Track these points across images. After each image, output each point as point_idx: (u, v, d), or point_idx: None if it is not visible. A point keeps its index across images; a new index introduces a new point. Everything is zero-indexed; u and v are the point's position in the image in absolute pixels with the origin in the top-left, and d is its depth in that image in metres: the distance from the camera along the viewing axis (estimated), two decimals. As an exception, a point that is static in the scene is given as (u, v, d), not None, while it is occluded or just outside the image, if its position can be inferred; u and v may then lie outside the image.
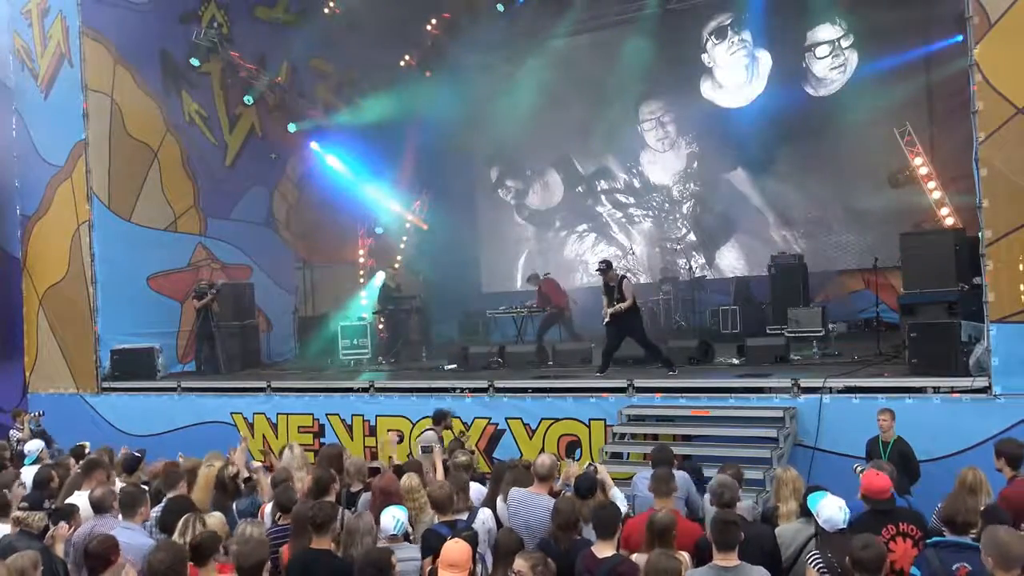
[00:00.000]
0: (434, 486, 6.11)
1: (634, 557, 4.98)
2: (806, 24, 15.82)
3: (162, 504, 6.37)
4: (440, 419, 9.08)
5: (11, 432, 11.27)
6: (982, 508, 5.19)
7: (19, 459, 8.95)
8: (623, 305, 10.60)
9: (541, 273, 15.66)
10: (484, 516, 5.93)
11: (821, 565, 4.71)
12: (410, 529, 5.58)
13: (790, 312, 12.59)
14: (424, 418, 10.97)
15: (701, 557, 4.95)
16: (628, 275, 11.35)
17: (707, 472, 7.31)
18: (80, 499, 6.36)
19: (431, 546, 5.31)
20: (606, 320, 10.82)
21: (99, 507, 5.89)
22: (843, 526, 4.87)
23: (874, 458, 6.89)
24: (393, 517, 5.27)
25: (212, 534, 5.06)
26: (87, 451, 8.79)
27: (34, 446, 9.08)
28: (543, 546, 5.34)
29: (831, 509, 4.90)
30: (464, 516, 5.82)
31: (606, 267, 10.96)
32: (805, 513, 5.44)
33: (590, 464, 6.70)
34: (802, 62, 16.02)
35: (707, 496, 6.41)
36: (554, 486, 6.29)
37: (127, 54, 14.64)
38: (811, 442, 8.73)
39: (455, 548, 4.73)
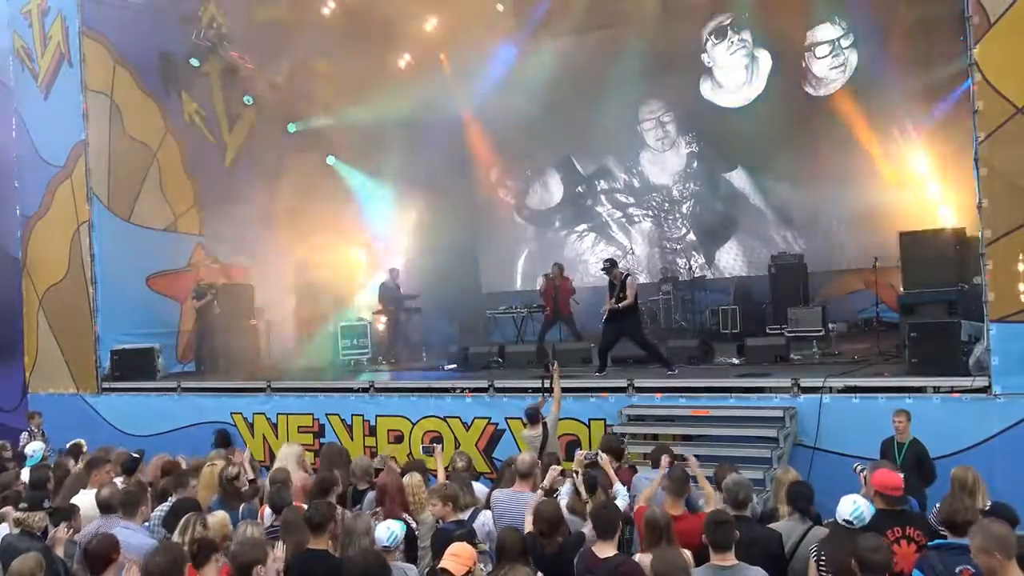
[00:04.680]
0: (438, 485, 6.16)
1: (637, 557, 4.97)
2: (806, 24, 15.82)
3: (170, 503, 6.31)
4: (534, 417, 8.70)
5: (23, 435, 11.36)
6: (986, 508, 5.17)
7: (20, 460, 8.95)
8: (623, 303, 10.60)
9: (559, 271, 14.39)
10: (484, 518, 5.95)
11: (817, 557, 4.73)
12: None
13: (790, 312, 12.62)
14: (424, 417, 11.02)
15: (706, 556, 4.93)
16: (633, 274, 11.32)
17: (703, 472, 7.31)
18: (84, 498, 6.35)
19: (440, 540, 5.30)
20: (604, 316, 10.82)
21: (106, 507, 5.88)
22: (848, 518, 4.88)
23: (888, 459, 6.88)
24: (387, 529, 5.18)
25: (207, 538, 5.04)
26: (84, 449, 8.80)
27: (35, 448, 9.07)
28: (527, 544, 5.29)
29: (847, 503, 4.94)
30: (466, 516, 5.83)
31: (610, 265, 11.01)
32: (800, 511, 5.48)
33: (595, 452, 6.68)
34: (802, 62, 16.02)
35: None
36: (537, 482, 6.27)
37: (127, 54, 14.64)
38: (811, 442, 8.73)
39: (459, 544, 4.71)
